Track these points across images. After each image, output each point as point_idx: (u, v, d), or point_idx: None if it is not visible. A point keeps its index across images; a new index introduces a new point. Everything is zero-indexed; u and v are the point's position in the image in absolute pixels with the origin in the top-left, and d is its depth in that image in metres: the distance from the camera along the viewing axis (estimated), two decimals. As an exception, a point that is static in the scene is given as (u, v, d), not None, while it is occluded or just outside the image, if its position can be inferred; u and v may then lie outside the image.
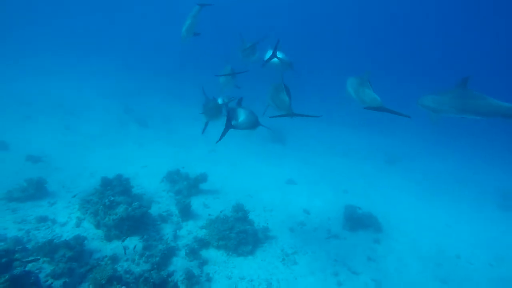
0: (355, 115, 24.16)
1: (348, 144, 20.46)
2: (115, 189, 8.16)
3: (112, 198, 7.05)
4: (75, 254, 5.69)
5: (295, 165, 14.77)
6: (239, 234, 7.66)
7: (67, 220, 7.12)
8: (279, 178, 12.62)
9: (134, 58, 34.17)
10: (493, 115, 5.42)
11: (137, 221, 7.06)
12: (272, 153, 15.89)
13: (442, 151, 22.26)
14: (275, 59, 7.10)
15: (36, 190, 7.96)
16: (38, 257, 5.45)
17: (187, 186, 9.92)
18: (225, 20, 48.22)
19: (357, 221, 9.69)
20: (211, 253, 7.37)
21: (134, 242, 6.67)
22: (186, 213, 8.55)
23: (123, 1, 46.00)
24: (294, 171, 13.79)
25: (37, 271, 5.21)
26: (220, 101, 7.13)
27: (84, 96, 20.78)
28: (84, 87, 23.04)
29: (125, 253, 6.29)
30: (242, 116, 5.87)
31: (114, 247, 6.42)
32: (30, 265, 5.24)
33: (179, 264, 6.64)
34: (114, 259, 6.16)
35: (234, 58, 8.64)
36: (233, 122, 5.67)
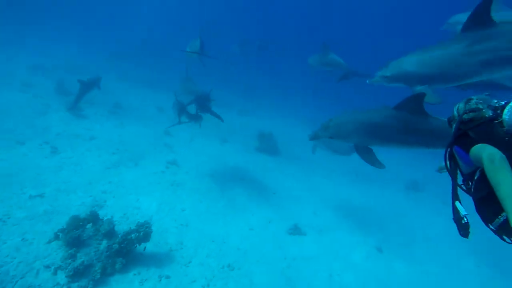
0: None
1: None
2: None
3: None
4: None
5: (298, 194, 9.86)
6: None
7: None
8: (278, 224, 7.73)
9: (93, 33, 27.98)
10: None
11: None
12: (263, 172, 10.87)
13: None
14: None
15: None
16: None
17: (108, 254, 4.88)
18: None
19: None
20: None
21: None
22: None
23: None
24: (298, 207, 8.97)
25: None
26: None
27: (8, 67, 14.90)
28: (17, 54, 17.10)
29: None
30: None
31: None
32: None
33: None
34: None
35: None
36: None
